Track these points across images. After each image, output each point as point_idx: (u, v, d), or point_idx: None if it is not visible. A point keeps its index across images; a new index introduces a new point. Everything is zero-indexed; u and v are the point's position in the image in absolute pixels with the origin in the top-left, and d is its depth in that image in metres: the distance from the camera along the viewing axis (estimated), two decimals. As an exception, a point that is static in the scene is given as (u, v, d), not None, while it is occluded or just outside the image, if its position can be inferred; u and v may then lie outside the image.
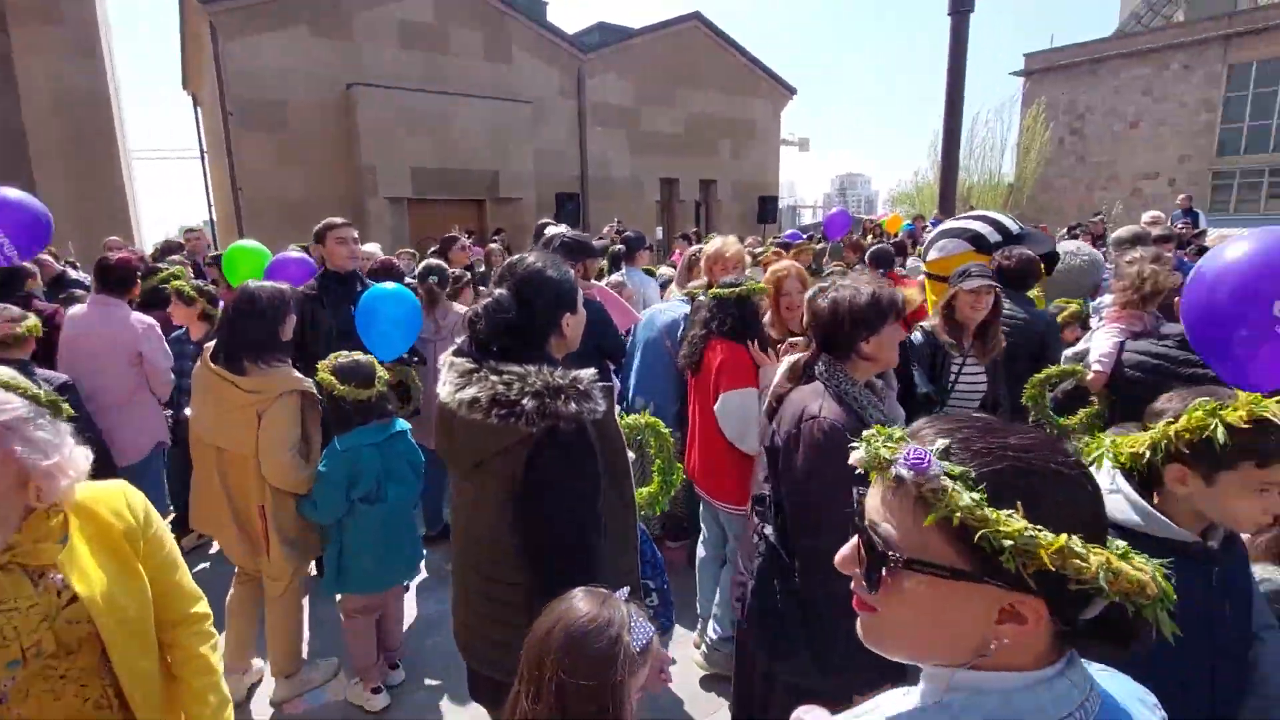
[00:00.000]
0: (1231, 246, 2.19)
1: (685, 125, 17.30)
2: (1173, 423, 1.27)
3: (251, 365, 2.48)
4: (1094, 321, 3.41)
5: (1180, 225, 9.17)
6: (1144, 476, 1.34)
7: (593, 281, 3.53)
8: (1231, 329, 2.09)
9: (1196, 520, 1.30)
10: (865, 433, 0.72)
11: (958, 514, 0.61)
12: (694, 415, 2.98)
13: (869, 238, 9.35)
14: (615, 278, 4.66)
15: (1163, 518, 1.28)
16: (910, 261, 6.71)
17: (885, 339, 1.84)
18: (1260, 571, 1.58)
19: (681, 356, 2.98)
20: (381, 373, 2.69)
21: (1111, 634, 0.63)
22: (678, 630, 3.14)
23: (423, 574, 3.75)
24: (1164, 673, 0.88)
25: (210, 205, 14.87)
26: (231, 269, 4.71)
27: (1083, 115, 26.18)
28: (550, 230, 3.73)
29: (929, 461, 0.64)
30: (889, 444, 0.69)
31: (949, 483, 0.63)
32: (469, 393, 1.41)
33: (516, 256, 1.60)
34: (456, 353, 1.53)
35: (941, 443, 0.67)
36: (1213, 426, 1.20)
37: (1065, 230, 10.79)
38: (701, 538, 3.13)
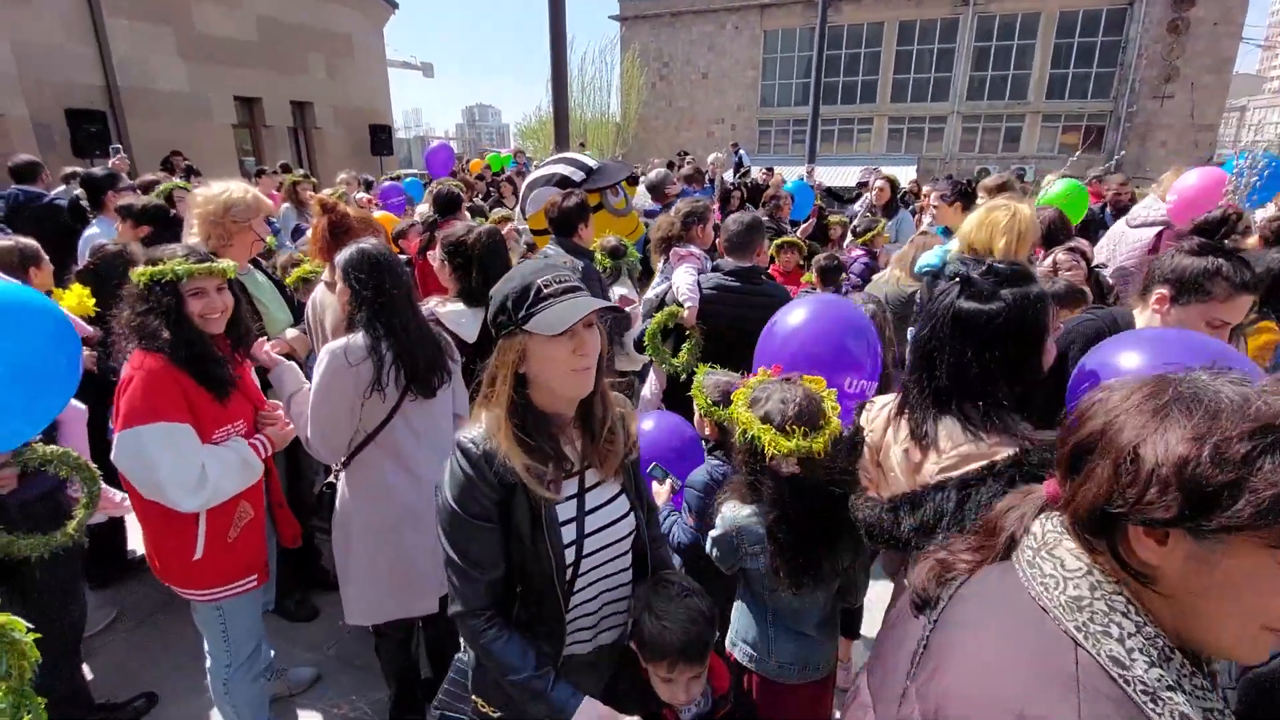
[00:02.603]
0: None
1: (259, 31, 14.14)
2: None
3: None
4: (660, 265, 3.56)
5: (735, 166, 11.08)
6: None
7: None
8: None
9: None
10: None
11: None
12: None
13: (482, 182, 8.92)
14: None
15: None
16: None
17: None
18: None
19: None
20: None
21: None
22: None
23: None
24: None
25: None
26: None
27: (668, 63, 29.66)
28: None
29: None
30: None
31: None
32: None
33: None
34: None
35: None
36: None
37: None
38: None
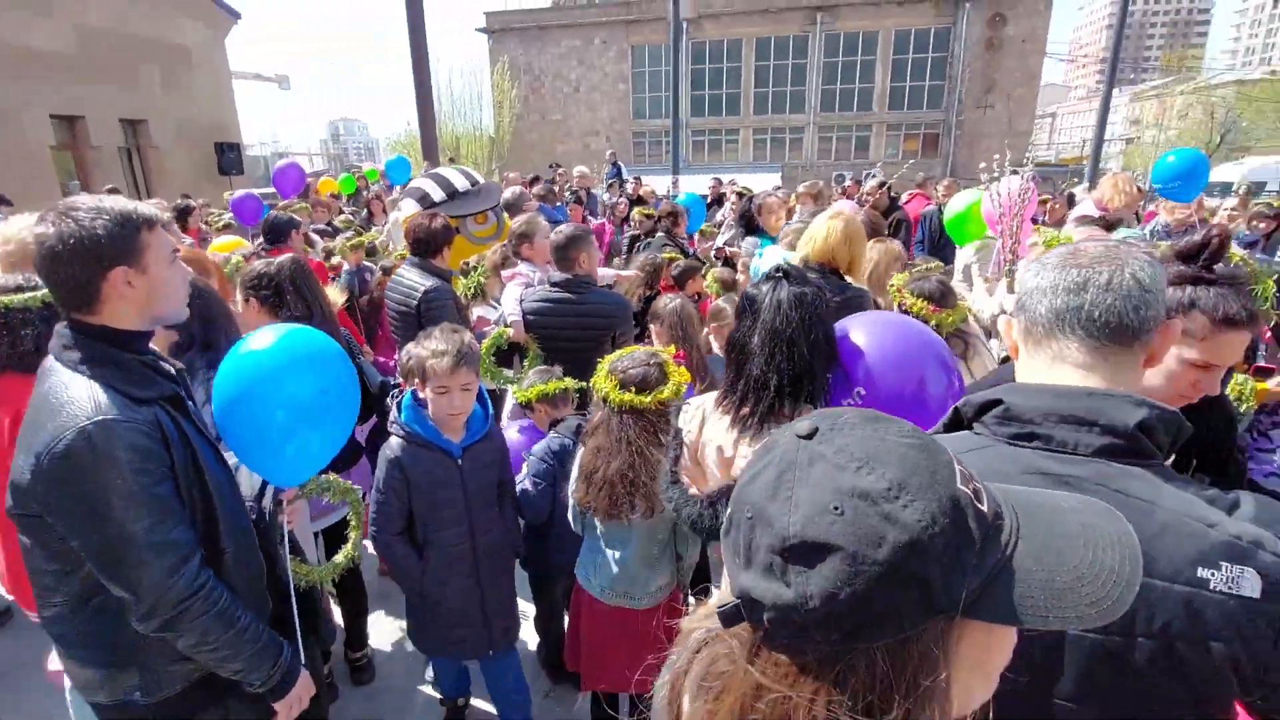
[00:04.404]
0: None
1: (79, 42, 12.84)
2: None
3: None
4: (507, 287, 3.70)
5: (610, 181, 11.31)
6: None
7: None
8: None
9: None
10: None
11: None
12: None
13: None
14: None
15: None
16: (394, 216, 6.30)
17: None
18: None
19: None
20: None
21: None
22: None
23: None
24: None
25: None
26: None
27: (539, 76, 29.75)
28: None
29: None
30: None
31: None
32: None
33: None
34: None
35: None
36: None
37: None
38: None
